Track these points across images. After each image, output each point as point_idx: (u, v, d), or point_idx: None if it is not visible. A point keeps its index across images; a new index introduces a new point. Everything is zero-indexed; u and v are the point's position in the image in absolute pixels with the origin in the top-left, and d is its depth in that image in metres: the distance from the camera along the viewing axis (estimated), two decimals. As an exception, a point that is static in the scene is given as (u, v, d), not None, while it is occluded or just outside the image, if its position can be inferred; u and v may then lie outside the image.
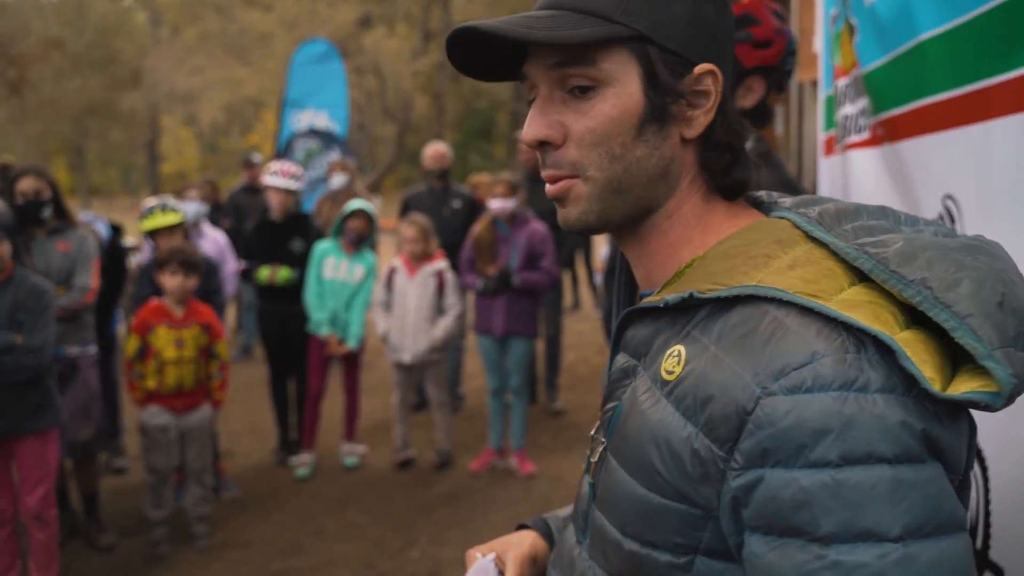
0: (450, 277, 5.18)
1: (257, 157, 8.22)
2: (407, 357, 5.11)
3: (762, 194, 1.00)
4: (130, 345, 4.08)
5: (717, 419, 0.77)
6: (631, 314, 0.95)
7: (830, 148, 2.35)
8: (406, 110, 28.38)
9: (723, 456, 0.76)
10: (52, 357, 3.51)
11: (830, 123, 2.34)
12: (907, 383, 0.73)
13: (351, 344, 5.18)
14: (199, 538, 4.23)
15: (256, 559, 4.11)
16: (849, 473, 0.70)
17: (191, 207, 5.54)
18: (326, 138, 8.79)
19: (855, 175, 1.99)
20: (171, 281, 4.11)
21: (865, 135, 1.92)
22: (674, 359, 0.85)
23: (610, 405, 0.96)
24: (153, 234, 4.64)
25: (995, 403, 0.71)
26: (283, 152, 8.55)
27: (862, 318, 0.75)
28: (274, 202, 5.38)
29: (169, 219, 4.63)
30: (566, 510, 1.25)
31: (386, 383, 7.15)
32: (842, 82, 2.12)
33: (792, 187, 3.16)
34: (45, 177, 4.01)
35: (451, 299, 5.16)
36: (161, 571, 3.98)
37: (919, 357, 0.73)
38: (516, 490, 4.90)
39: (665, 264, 0.94)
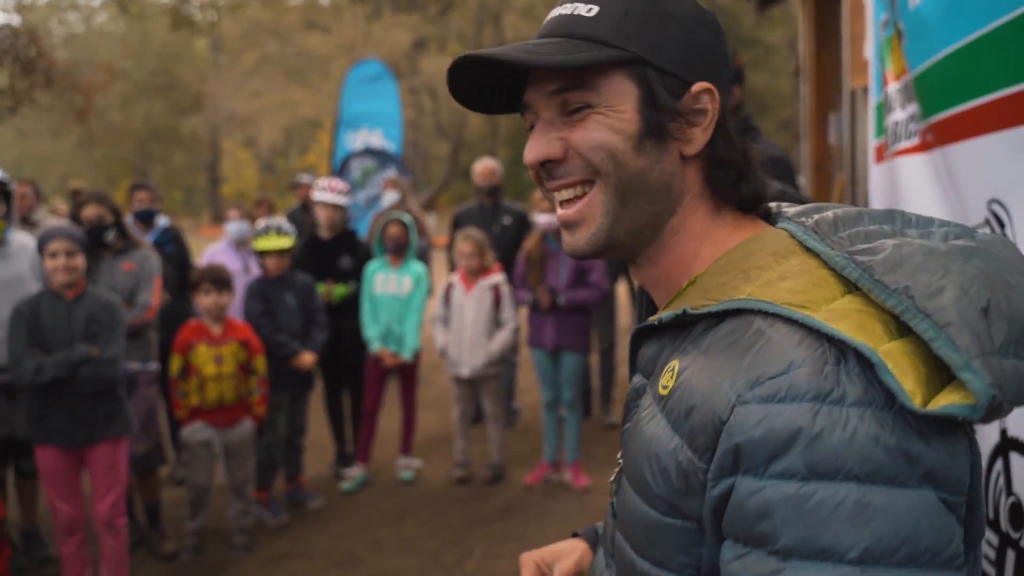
0: (506, 291, 5.22)
1: (305, 177, 8.31)
2: (465, 371, 5.16)
3: (772, 205, 0.99)
4: (173, 364, 4.21)
5: (697, 429, 0.77)
6: (641, 335, 0.97)
7: (880, 155, 2.32)
8: (459, 128, 28.62)
9: (703, 467, 0.76)
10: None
11: (880, 130, 2.32)
12: (888, 397, 0.70)
13: (406, 355, 5.24)
14: (237, 548, 4.33)
15: (315, 569, 4.17)
16: (814, 487, 0.68)
17: (233, 227, 5.65)
18: (382, 157, 8.88)
19: (904, 182, 1.97)
20: (206, 299, 4.26)
21: (915, 141, 1.89)
22: (669, 374, 0.86)
23: (625, 426, 0.98)
24: (263, 254, 4.83)
25: (973, 416, 0.68)
26: (339, 172, 8.68)
27: (846, 328, 0.73)
28: (322, 217, 5.45)
29: (282, 242, 4.79)
30: None
31: (442, 399, 7.20)
32: (892, 88, 2.10)
33: (783, 165, 3.08)
34: (107, 203, 4.25)
35: (507, 313, 5.20)
36: (223, 581, 4.08)
37: (902, 369, 0.70)
38: (571, 504, 4.90)
39: (680, 282, 0.95)
